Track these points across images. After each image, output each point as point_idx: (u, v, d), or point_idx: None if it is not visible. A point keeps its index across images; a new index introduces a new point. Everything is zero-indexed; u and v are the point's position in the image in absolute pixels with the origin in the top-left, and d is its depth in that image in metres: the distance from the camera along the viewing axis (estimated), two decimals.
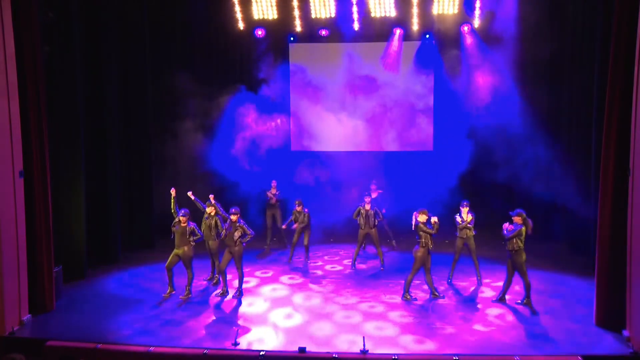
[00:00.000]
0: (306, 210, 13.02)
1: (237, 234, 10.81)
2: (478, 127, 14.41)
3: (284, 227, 13.68)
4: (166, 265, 11.02)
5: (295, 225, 13.09)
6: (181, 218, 10.79)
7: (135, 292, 11.34)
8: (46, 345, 8.67)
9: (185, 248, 10.83)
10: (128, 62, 13.92)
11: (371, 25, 15.09)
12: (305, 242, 13.14)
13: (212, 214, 11.48)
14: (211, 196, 11.83)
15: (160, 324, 9.87)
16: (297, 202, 13.03)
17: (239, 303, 10.77)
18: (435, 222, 10.60)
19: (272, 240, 14.49)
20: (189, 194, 11.67)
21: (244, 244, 10.95)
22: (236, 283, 11.30)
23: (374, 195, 13.84)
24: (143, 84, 14.11)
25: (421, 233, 10.56)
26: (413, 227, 10.72)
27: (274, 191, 14.23)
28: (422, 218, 10.63)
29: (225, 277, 11.13)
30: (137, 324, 9.83)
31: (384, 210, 13.60)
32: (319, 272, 12.59)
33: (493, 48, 14.29)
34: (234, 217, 10.86)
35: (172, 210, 11.06)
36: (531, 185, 14.31)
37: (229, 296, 11.03)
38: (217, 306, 10.68)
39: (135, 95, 14.06)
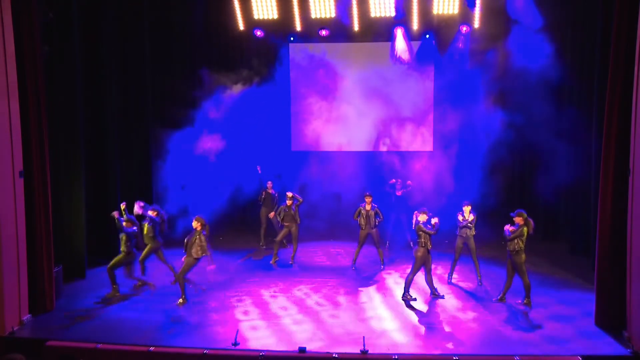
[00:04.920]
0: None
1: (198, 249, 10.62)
2: (478, 127, 14.40)
3: (271, 215, 13.79)
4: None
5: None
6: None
7: (135, 292, 11.32)
8: (46, 345, 8.67)
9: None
10: (128, 62, 13.90)
11: (371, 25, 15.06)
12: (278, 238, 13.17)
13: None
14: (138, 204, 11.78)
15: (160, 324, 9.88)
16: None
17: (240, 303, 10.78)
18: (435, 222, 10.60)
19: (267, 239, 14.46)
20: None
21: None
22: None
23: (398, 194, 13.82)
24: (143, 84, 14.10)
25: (420, 233, 10.56)
26: (413, 226, 10.73)
27: (269, 191, 14.24)
28: (422, 218, 10.63)
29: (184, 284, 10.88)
30: (136, 323, 9.84)
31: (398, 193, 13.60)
32: (319, 272, 12.58)
33: (492, 48, 14.28)
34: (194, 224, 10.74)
35: (120, 224, 11.02)
36: (531, 185, 14.30)
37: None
38: (218, 306, 10.68)
39: (135, 95, 14.05)
